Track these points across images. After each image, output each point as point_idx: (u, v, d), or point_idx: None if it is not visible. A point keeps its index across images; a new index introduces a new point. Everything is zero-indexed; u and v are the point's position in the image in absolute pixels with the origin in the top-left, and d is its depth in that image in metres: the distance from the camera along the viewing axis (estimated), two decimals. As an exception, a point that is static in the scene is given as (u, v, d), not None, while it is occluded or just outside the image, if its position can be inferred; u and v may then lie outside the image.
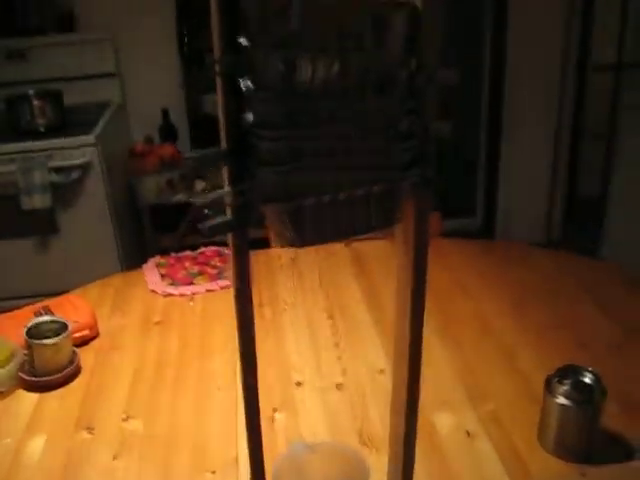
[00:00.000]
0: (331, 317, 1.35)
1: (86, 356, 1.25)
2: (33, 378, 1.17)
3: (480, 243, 1.72)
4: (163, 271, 1.58)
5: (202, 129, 2.93)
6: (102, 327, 1.34)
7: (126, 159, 2.68)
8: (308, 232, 0.59)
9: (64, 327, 1.21)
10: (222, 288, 1.50)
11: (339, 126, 0.57)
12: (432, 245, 0.62)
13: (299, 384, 1.15)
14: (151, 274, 1.57)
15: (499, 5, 3.08)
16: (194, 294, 1.48)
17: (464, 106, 3.29)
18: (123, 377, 1.20)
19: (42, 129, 2.35)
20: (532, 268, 1.51)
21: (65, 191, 2.32)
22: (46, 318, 1.23)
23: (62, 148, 2.27)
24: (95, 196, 2.35)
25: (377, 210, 0.61)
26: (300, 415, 1.07)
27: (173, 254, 1.66)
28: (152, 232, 2.71)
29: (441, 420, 1.03)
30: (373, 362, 1.19)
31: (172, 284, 1.52)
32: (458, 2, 3.01)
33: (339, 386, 1.14)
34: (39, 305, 1.35)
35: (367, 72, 0.56)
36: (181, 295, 1.48)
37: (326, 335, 1.29)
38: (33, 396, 1.16)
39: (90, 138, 2.29)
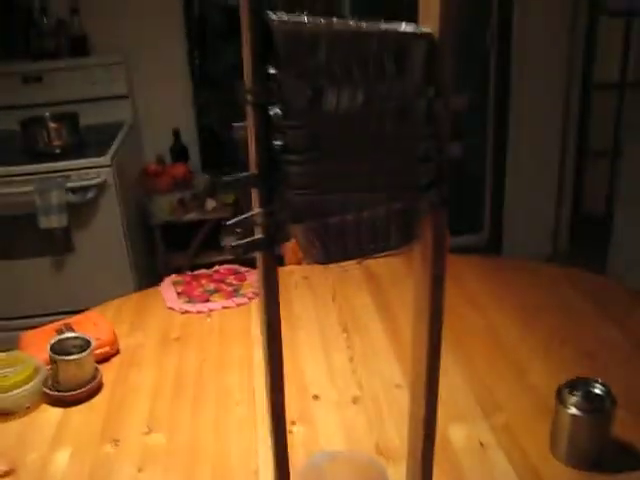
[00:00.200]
0: (345, 331, 1.39)
1: (107, 372, 1.28)
2: (57, 393, 1.20)
3: (488, 259, 1.76)
4: (179, 289, 1.62)
5: (213, 149, 2.99)
6: (122, 344, 1.38)
7: (139, 179, 2.73)
8: (333, 249, 0.63)
9: (87, 343, 1.24)
10: (238, 305, 1.53)
11: (362, 150, 0.61)
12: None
13: (316, 397, 1.18)
14: (168, 292, 1.60)
15: (503, 24, 3.14)
16: (211, 311, 1.51)
17: (470, 124, 3.34)
18: (144, 392, 1.23)
19: (58, 150, 2.41)
20: (541, 283, 1.54)
21: (81, 211, 2.37)
22: (70, 335, 1.27)
23: (78, 169, 2.33)
24: (109, 215, 2.40)
25: (397, 228, 0.64)
26: (318, 428, 1.10)
27: (189, 272, 1.70)
28: (164, 251, 2.76)
29: (455, 431, 1.06)
30: (388, 376, 1.22)
31: (189, 301, 1.55)
32: (463, 22, 3.06)
33: (355, 399, 1.17)
34: (61, 323, 1.38)
35: (388, 100, 0.60)
36: (198, 312, 1.51)
37: (341, 349, 1.32)
38: (57, 411, 1.19)
39: (106, 159, 2.35)
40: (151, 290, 1.64)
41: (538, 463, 0.98)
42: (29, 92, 2.72)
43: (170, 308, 1.53)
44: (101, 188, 2.35)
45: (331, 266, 1.67)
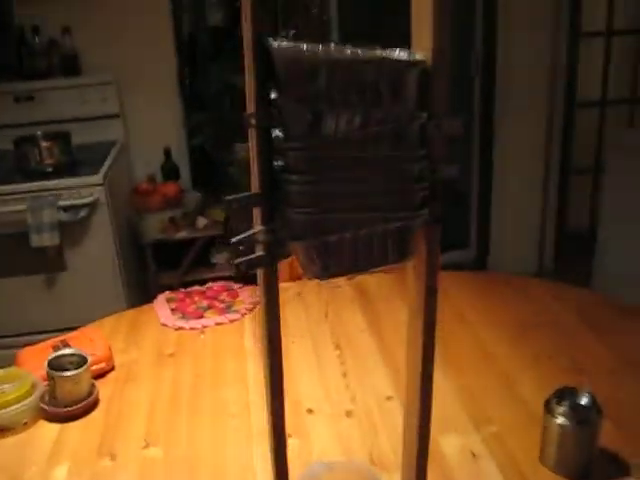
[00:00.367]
0: (338, 347, 1.41)
1: (103, 388, 1.30)
2: (54, 409, 1.22)
3: (476, 275, 1.80)
4: (173, 305, 1.64)
5: (203, 168, 3.03)
6: (117, 360, 1.39)
7: (130, 197, 2.75)
8: (332, 265, 0.66)
9: (84, 360, 1.26)
10: (231, 321, 1.56)
11: (359, 171, 0.64)
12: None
13: (310, 411, 1.20)
14: (162, 309, 1.62)
15: (487, 48, 3.20)
16: (204, 327, 1.54)
17: (456, 143, 3.39)
18: (140, 407, 1.25)
19: (50, 169, 2.43)
20: (528, 298, 1.58)
21: (73, 229, 2.39)
22: (66, 351, 1.28)
23: (70, 188, 2.35)
24: (101, 234, 2.42)
25: (393, 245, 0.68)
26: (312, 440, 1.12)
27: (182, 289, 1.72)
28: (155, 268, 2.77)
29: (447, 442, 1.09)
30: (380, 389, 1.25)
31: (183, 318, 1.57)
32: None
33: (349, 413, 1.19)
34: (57, 339, 1.40)
35: (384, 123, 0.64)
36: (192, 328, 1.53)
37: (334, 365, 1.35)
38: (55, 426, 1.20)
39: (98, 178, 2.37)
40: (145, 307, 1.66)
41: (528, 472, 1.01)
42: (21, 111, 2.74)
43: (164, 324, 1.55)
44: (93, 207, 2.38)
45: (323, 283, 1.70)
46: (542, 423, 1.02)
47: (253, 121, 0.62)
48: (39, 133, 2.50)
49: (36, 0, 2.73)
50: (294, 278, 1.75)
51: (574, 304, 1.54)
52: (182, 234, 2.73)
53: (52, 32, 2.79)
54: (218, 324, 1.55)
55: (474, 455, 1.06)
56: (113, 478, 1.07)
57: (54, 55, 2.79)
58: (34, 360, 1.32)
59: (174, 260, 2.78)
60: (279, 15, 2.87)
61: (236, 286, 1.73)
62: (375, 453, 1.08)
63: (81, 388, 1.24)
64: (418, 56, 0.64)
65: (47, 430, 1.20)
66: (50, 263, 2.39)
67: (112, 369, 1.37)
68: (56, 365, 1.24)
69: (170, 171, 2.93)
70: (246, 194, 0.65)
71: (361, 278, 1.72)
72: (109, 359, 1.37)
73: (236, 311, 1.59)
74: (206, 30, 3.15)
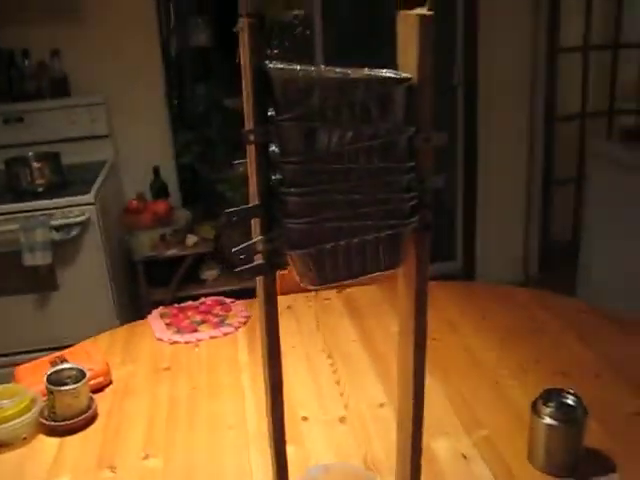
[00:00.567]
0: (330, 357, 1.45)
1: (102, 402, 1.32)
2: (54, 423, 1.24)
3: (464, 284, 1.84)
4: (167, 320, 1.66)
5: (192, 186, 3.07)
6: (114, 374, 1.42)
7: (120, 216, 2.78)
8: (328, 273, 0.70)
9: (82, 374, 1.28)
10: (225, 335, 1.58)
11: (352, 182, 0.69)
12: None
13: (305, 419, 1.23)
14: (156, 324, 1.65)
15: (469, 61, 3.28)
16: (199, 341, 1.56)
17: (441, 158, 3.45)
18: (138, 419, 1.27)
19: (41, 189, 2.46)
20: (515, 305, 1.62)
21: (65, 248, 2.41)
22: (65, 366, 1.31)
23: (62, 207, 2.38)
24: (93, 252, 2.44)
25: (385, 252, 0.72)
26: (308, 447, 1.16)
27: (176, 305, 1.75)
28: (146, 285, 2.80)
29: (439, 445, 1.12)
30: (373, 397, 1.28)
31: (177, 332, 1.60)
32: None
33: (342, 419, 1.23)
34: (55, 355, 1.42)
35: (374, 138, 0.68)
36: (186, 342, 1.56)
37: (327, 373, 1.38)
38: (54, 440, 1.22)
39: (90, 197, 2.41)
40: (139, 322, 1.69)
41: (517, 472, 1.05)
42: (10, 132, 2.77)
43: (159, 339, 1.58)
44: (85, 225, 2.40)
45: (313, 295, 1.74)
46: (530, 424, 1.06)
47: (252, 137, 0.66)
48: (30, 154, 2.53)
49: (25, 23, 2.77)
50: (285, 292, 1.78)
51: (559, 311, 1.58)
52: (172, 251, 2.76)
53: (41, 55, 2.83)
54: (212, 337, 1.58)
55: (465, 457, 1.09)
56: (114, 488, 1.09)
57: (44, 77, 2.83)
58: (32, 376, 1.35)
59: (165, 277, 2.81)
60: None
61: (229, 300, 1.76)
62: (369, 458, 1.11)
63: (80, 402, 1.26)
64: (404, 74, 0.69)
65: (47, 444, 1.22)
66: (42, 282, 2.41)
67: (110, 383, 1.39)
68: (55, 380, 1.27)
69: (159, 189, 2.97)
70: (246, 206, 0.68)
71: (350, 291, 1.76)
72: (107, 373, 1.39)
73: (230, 324, 1.62)
74: (192, 50, 3.20)
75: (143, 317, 1.69)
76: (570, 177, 3.59)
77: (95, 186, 2.51)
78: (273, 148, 0.68)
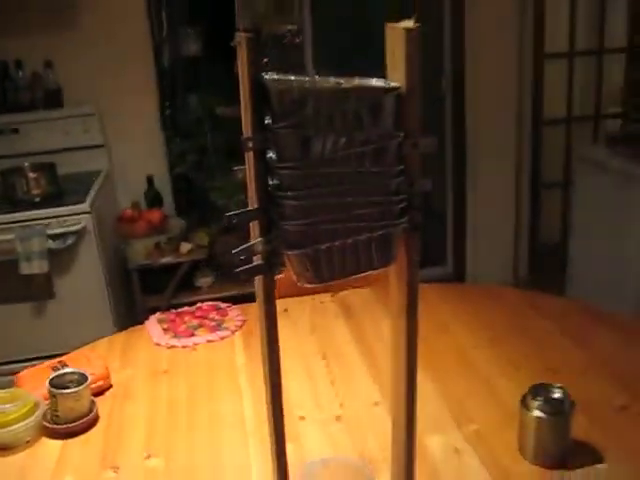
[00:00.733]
0: (325, 358, 1.48)
1: (102, 405, 1.35)
2: (56, 426, 1.27)
3: (455, 286, 1.88)
4: (165, 326, 1.69)
5: (185, 194, 3.11)
6: (114, 378, 1.45)
7: (115, 224, 2.81)
8: (324, 271, 0.74)
9: (84, 378, 1.31)
10: (222, 338, 1.62)
11: (345, 186, 0.73)
12: (422, 278, 0.77)
13: (302, 418, 1.27)
14: (154, 329, 1.68)
15: (456, 70, 3.34)
16: (196, 345, 1.60)
17: (430, 162, 3.51)
18: (139, 421, 1.30)
19: (38, 199, 2.50)
20: (504, 305, 1.67)
21: (61, 256, 2.44)
22: (67, 370, 1.34)
23: (58, 216, 2.41)
24: (89, 260, 2.48)
25: (377, 251, 0.75)
26: (305, 445, 1.19)
27: (173, 310, 1.78)
28: (141, 293, 2.83)
29: (432, 440, 1.16)
30: (367, 395, 1.32)
31: (175, 337, 1.63)
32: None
33: (338, 418, 1.26)
34: (56, 361, 1.45)
35: (365, 144, 0.72)
36: (184, 347, 1.59)
37: (322, 374, 1.42)
38: (57, 443, 1.25)
39: (85, 206, 2.44)
40: (137, 328, 1.72)
41: (508, 464, 1.09)
42: (5, 143, 2.80)
43: (157, 344, 1.61)
44: (81, 234, 2.44)
45: (307, 298, 1.78)
46: (519, 418, 1.10)
47: (250, 145, 0.70)
48: (26, 164, 2.57)
49: (19, 35, 2.80)
50: (280, 296, 1.81)
51: (547, 310, 1.62)
52: (167, 259, 2.80)
53: (35, 66, 2.86)
54: (209, 341, 1.61)
55: (457, 451, 1.13)
56: (118, 488, 1.12)
57: (37, 89, 2.86)
58: (34, 381, 1.38)
59: (160, 284, 2.84)
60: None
61: (224, 305, 1.80)
62: (365, 454, 1.15)
63: (82, 405, 1.29)
64: (393, 83, 0.73)
65: (50, 447, 1.24)
66: (39, 290, 2.44)
67: (110, 387, 1.42)
68: (57, 384, 1.30)
69: (153, 198, 3.00)
70: (245, 210, 0.72)
71: (344, 294, 1.80)
72: (107, 377, 1.42)
73: (226, 328, 1.65)
74: (184, 60, 3.24)
75: (139, 324, 1.73)
76: (557, 181, 3.65)
77: (90, 195, 2.54)
78: (270, 154, 0.71)
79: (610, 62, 3.57)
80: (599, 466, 1.06)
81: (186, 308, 1.80)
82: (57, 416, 1.28)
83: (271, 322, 0.77)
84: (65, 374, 1.33)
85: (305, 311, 1.72)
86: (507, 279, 3.59)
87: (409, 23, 0.71)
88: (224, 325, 1.67)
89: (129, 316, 2.75)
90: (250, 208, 0.72)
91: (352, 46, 3.25)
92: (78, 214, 2.43)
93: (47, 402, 1.30)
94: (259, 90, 0.69)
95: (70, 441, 1.26)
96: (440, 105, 3.46)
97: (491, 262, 3.55)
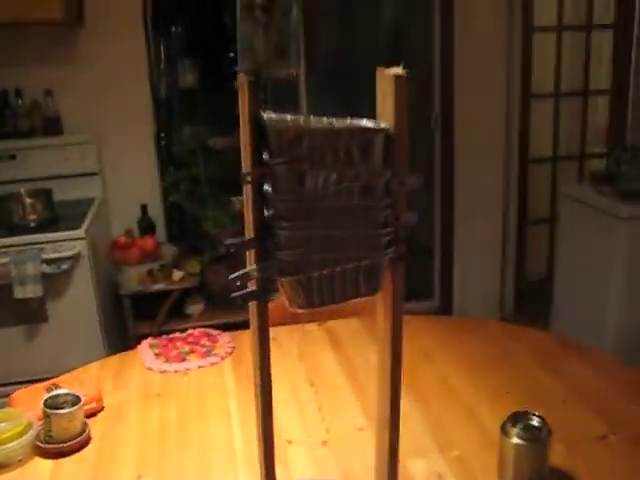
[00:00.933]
0: (312, 384, 1.53)
1: (95, 427, 1.38)
2: (49, 446, 1.30)
3: (440, 318, 1.94)
4: (156, 351, 1.73)
5: (178, 223, 3.16)
6: (106, 401, 1.48)
7: (108, 251, 2.85)
8: (314, 297, 0.79)
9: (77, 399, 1.35)
10: (212, 365, 1.66)
11: (335, 218, 0.78)
12: (406, 306, 0.82)
13: (290, 442, 1.31)
14: (146, 354, 1.72)
15: (445, 107, 3.43)
16: (187, 369, 1.63)
17: (419, 197, 3.58)
18: (131, 443, 1.33)
19: (33, 224, 2.54)
20: (486, 337, 1.72)
21: (55, 281, 2.48)
22: (60, 391, 1.37)
23: (53, 242, 2.45)
24: (82, 285, 2.51)
25: (364, 280, 0.81)
26: (293, 468, 1.23)
27: (164, 336, 1.82)
28: (133, 319, 2.86)
29: (415, 465, 1.20)
30: (353, 421, 1.36)
31: (166, 362, 1.67)
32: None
33: (324, 442, 1.30)
34: (49, 383, 1.48)
35: (355, 180, 0.78)
36: (175, 371, 1.63)
37: (309, 400, 1.46)
38: (49, 463, 1.28)
39: (80, 232, 2.49)
40: (129, 352, 1.75)
41: (487, 489, 1.13)
42: (3, 169, 2.85)
43: (149, 368, 1.65)
44: (75, 260, 2.48)
45: (295, 327, 1.82)
46: (499, 444, 1.14)
47: (249, 178, 0.76)
48: (22, 190, 2.61)
49: (19, 65, 2.87)
50: (270, 324, 1.86)
51: (528, 343, 1.68)
52: (159, 286, 2.84)
53: (34, 94, 2.93)
54: (200, 367, 1.65)
55: (440, 475, 1.17)
56: (108, 506, 1.15)
57: (37, 116, 2.92)
58: (27, 402, 1.41)
59: (151, 311, 2.87)
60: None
61: (215, 332, 1.83)
62: (350, 477, 1.18)
63: (75, 426, 1.32)
64: (382, 124, 0.79)
65: (42, 466, 1.27)
66: (32, 314, 2.47)
67: (102, 409, 1.46)
68: (51, 404, 1.33)
69: (147, 226, 3.05)
70: (242, 239, 0.78)
71: (331, 323, 1.84)
72: (99, 399, 1.45)
73: (216, 355, 1.69)
74: (180, 91, 3.32)
75: (131, 349, 1.76)
76: (544, 217, 3.73)
77: (86, 221, 2.59)
78: (267, 187, 0.77)
79: (595, 101, 3.69)
80: (574, 492, 1.10)
81: (177, 334, 1.83)
82: (50, 436, 1.31)
83: (264, 346, 0.82)
84: (59, 395, 1.36)
85: (294, 340, 1.77)
86: (493, 313, 3.64)
87: (398, 70, 0.78)
88: (214, 351, 1.71)
89: (120, 341, 2.78)
90: (246, 237, 0.78)
91: (344, 89, 3.36)
92: (73, 240, 2.47)
93: (40, 422, 1.33)
94: (258, 128, 0.74)
95: (62, 460, 1.28)
96: (429, 142, 3.55)
97: (477, 298, 3.60)
